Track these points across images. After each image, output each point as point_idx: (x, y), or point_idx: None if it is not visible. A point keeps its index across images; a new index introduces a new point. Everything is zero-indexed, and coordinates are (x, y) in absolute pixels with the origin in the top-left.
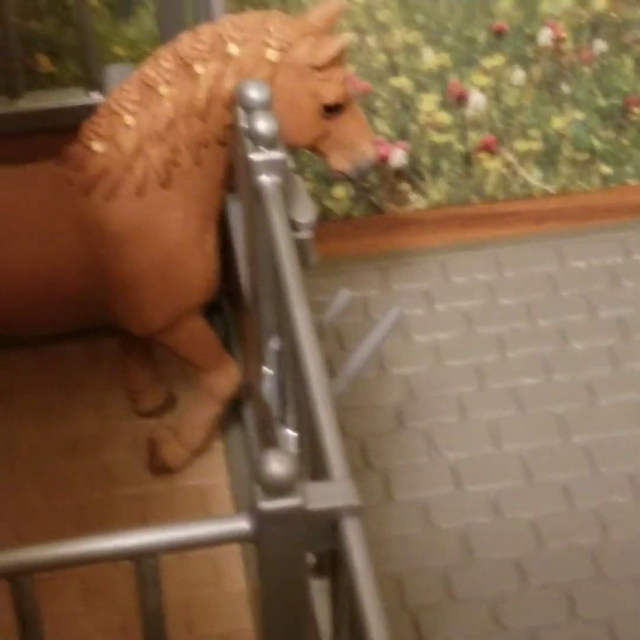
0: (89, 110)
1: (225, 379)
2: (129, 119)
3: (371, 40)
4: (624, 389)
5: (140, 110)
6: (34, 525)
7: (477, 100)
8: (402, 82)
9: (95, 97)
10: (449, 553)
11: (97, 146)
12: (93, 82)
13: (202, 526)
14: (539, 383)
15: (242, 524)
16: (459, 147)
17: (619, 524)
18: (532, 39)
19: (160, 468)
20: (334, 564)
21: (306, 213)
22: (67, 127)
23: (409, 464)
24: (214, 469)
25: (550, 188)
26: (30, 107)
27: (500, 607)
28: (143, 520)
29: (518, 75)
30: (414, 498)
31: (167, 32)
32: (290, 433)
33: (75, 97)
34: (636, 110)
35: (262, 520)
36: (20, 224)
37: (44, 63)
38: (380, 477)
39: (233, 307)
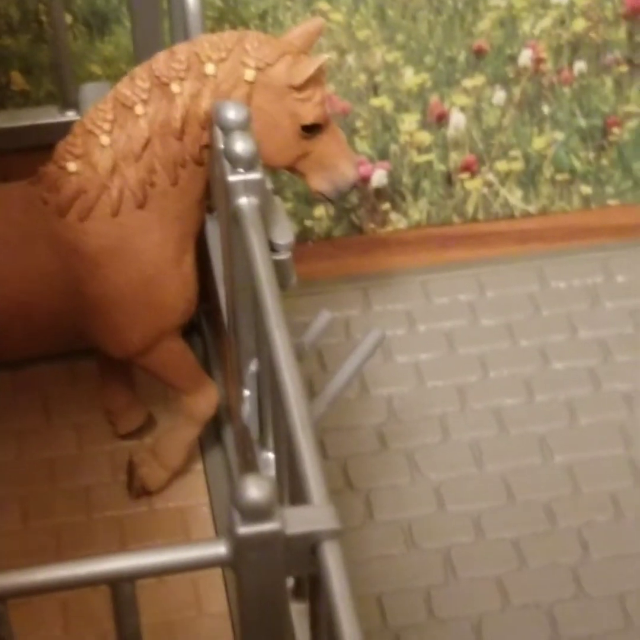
0: (63, 128)
1: (204, 400)
2: (104, 139)
3: (351, 60)
4: (604, 409)
5: (115, 129)
6: (12, 546)
7: (457, 120)
8: (382, 101)
9: (71, 115)
10: (431, 573)
11: (72, 166)
12: (68, 100)
13: (179, 551)
14: (521, 403)
15: (220, 549)
16: (440, 167)
17: (600, 542)
18: (512, 59)
19: (139, 490)
20: (313, 588)
21: (285, 234)
22: (42, 146)
23: (391, 484)
24: (194, 491)
25: (531, 208)
26: (3, 126)
27: (482, 626)
28: (122, 542)
29: (499, 95)
30: (396, 518)
31: (143, 50)
32: (270, 456)
33: (49, 116)
34: (616, 130)
35: (240, 544)
36: None
37: (17, 80)
38: (362, 498)
39: (212, 326)
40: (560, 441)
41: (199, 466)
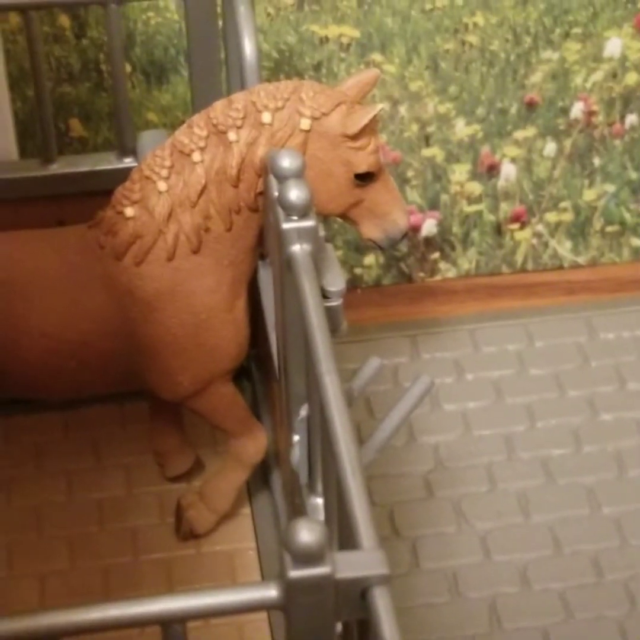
0: (121, 175)
1: (253, 444)
2: (161, 185)
3: (403, 110)
4: None
5: (173, 176)
6: (61, 586)
7: (508, 171)
8: (433, 152)
9: (128, 162)
10: (476, 622)
11: (130, 211)
12: (126, 147)
13: (231, 593)
14: (568, 453)
15: (271, 592)
16: (489, 217)
17: None
18: (564, 111)
19: (187, 533)
20: (361, 633)
21: (336, 281)
22: (99, 191)
23: (437, 532)
24: (241, 535)
25: (581, 259)
26: (63, 171)
27: None
28: (169, 584)
29: (550, 147)
30: (442, 567)
31: (200, 99)
32: (318, 501)
33: (108, 162)
34: None
35: (291, 588)
36: (50, 287)
37: (76, 127)
38: (408, 546)
39: (262, 371)
40: (608, 492)
41: (246, 510)
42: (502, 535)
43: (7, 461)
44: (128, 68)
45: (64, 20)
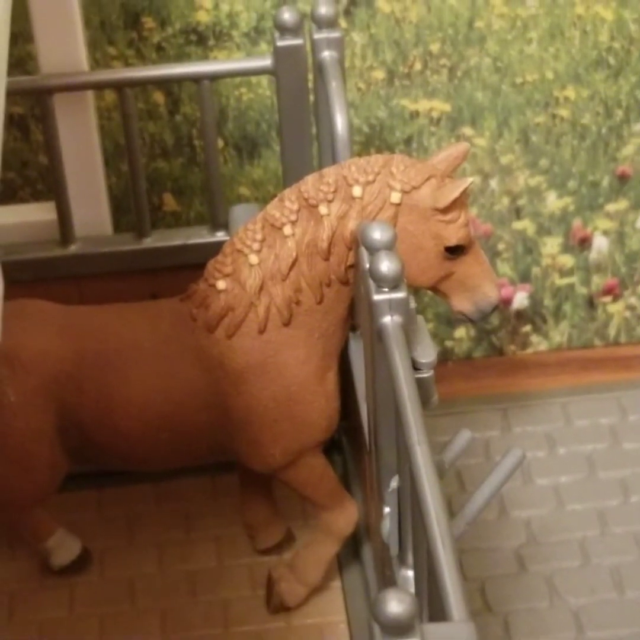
0: (213, 248)
1: (344, 517)
2: (253, 258)
3: (494, 184)
4: None
5: (264, 249)
6: None
7: (600, 244)
8: (524, 225)
9: (220, 236)
10: None
11: (222, 284)
12: (218, 221)
13: None
14: None
15: None
16: (581, 290)
17: None
18: None
19: (277, 605)
20: None
21: (427, 353)
22: (192, 264)
23: (529, 608)
24: (332, 608)
25: None
26: (156, 245)
27: None
28: None
29: None
30: None
31: (291, 173)
32: (409, 573)
33: (200, 236)
34: None
35: None
36: (144, 359)
37: (169, 202)
38: (500, 621)
39: (352, 444)
40: None
41: (336, 583)
42: (596, 611)
43: (99, 533)
44: (220, 143)
45: (158, 96)
